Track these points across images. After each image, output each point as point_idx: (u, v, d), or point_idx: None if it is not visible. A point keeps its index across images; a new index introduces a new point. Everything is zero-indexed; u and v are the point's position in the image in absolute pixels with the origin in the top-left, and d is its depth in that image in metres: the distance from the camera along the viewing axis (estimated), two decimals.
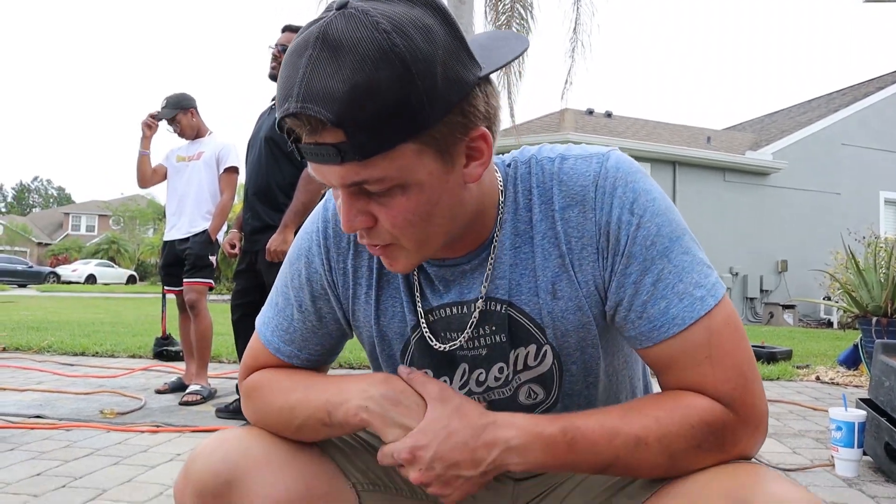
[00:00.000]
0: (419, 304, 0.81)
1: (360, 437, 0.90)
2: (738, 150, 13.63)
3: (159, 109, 3.60)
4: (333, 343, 0.89)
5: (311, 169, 0.67)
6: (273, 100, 3.09)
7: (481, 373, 0.82)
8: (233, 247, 3.21)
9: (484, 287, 0.78)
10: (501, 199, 0.78)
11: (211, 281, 3.61)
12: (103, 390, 3.57)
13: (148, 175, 3.66)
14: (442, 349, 0.81)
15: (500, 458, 0.70)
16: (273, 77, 3.01)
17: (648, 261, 0.72)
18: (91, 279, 28.27)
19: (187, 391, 3.39)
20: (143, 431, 2.70)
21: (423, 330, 0.81)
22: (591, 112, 15.27)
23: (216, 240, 3.62)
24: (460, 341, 0.80)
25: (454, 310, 0.80)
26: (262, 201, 2.95)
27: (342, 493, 0.85)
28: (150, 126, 3.58)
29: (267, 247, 2.74)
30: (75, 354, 5.12)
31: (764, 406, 0.71)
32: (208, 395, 3.40)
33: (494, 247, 0.77)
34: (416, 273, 0.82)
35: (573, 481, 0.85)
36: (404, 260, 0.72)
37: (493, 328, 0.79)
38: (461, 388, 0.84)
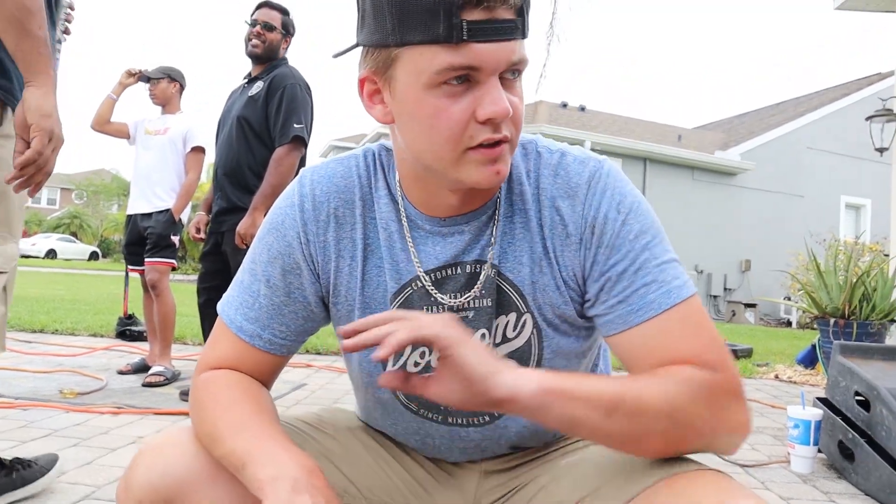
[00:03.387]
0: (418, 266, 0.81)
1: (316, 440, 0.88)
2: (707, 149, 13.85)
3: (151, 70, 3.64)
4: (298, 326, 0.85)
5: (470, 52, 0.67)
6: (245, 78, 3.03)
7: None
8: (198, 231, 3.15)
9: (480, 250, 0.80)
10: None
11: (173, 261, 3.56)
12: (63, 369, 3.49)
13: (105, 119, 3.65)
14: (436, 309, 0.81)
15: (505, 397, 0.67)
16: (252, 55, 2.95)
17: (632, 252, 0.75)
18: (51, 254, 27.52)
19: (150, 372, 3.33)
20: (103, 413, 2.64)
21: (426, 285, 0.81)
22: (565, 105, 15.35)
23: (179, 220, 3.58)
24: (457, 301, 0.81)
25: (447, 271, 0.81)
26: (231, 182, 2.90)
27: None
28: (131, 74, 3.61)
29: (237, 230, 2.70)
30: (34, 332, 4.98)
31: (740, 379, 0.74)
32: (172, 377, 3.34)
33: (497, 211, 0.80)
34: (409, 236, 0.82)
35: (537, 484, 0.84)
36: (507, 166, 0.73)
37: (482, 292, 0.80)
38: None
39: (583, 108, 15.48)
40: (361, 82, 0.76)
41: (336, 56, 0.81)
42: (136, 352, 4.18)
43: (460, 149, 0.70)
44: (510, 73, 0.70)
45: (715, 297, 13.18)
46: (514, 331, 0.81)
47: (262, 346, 0.84)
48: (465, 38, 0.65)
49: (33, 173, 1.24)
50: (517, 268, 0.80)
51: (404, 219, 0.82)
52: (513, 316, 0.81)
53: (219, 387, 0.81)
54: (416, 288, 0.82)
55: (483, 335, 0.81)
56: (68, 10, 1.80)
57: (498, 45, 0.67)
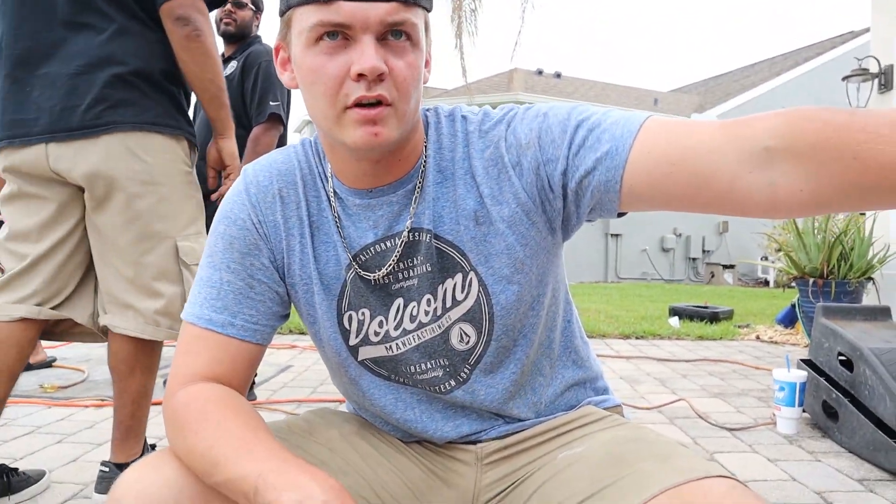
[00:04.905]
0: (346, 245, 0.83)
1: (307, 451, 0.85)
2: (684, 112, 13.87)
3: None
4: (267, 309, 0.83)
5: (338, 9, 0.69)
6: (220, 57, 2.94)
7: (414, 306, 0.83)
8: None
9: (410, 219, 0.81)
10: (424, 138, 0.83)
11: None
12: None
13: None
14: (374, 278, 0.82)
15: None
16: (225, 34, 2.86)
17: (571, 126, 0.75)
18: None
19: None
20: (87, 406, 2.60)
21: (355, 266, 0.83)
22: (540, 72, 15.24)
23: None
24: (390, 267, 0.82)
25: (386, 243, 0.82)
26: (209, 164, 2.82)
27: None
28: None
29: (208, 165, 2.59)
30: None
31: None
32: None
33: (422, 177, 0.81)
34: (339, 215, 0.83)
35: (534, 481, 0.82)
36: (390, 129, 0.73)
37: (421, 258, 0.82)
38: (396, 328, 0.84)
39: (558, 75, 15.39)
40: (276, 50, 0.79)
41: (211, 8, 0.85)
42: None
43: (339, 106, 0.72)
44: (394, 34, 0.71)
45: (694, 259, 13.34)
46: (462, 292, 0.82)
47: (237, 334, 0.81)
48: None
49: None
50: (454, 228, 0.80)
51: (332, 193, 0.84)
52: (458, 277, 0.81)
53: (204, 404, 0.75)
54: (362, 260, 0.83)
55: (428, 300, 0.82)
56: None
57: (368, 4, 0.69)
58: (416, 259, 0.82)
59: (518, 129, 0.79)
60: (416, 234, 0.81)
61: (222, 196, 1.85)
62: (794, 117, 0.63)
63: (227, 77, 2.78)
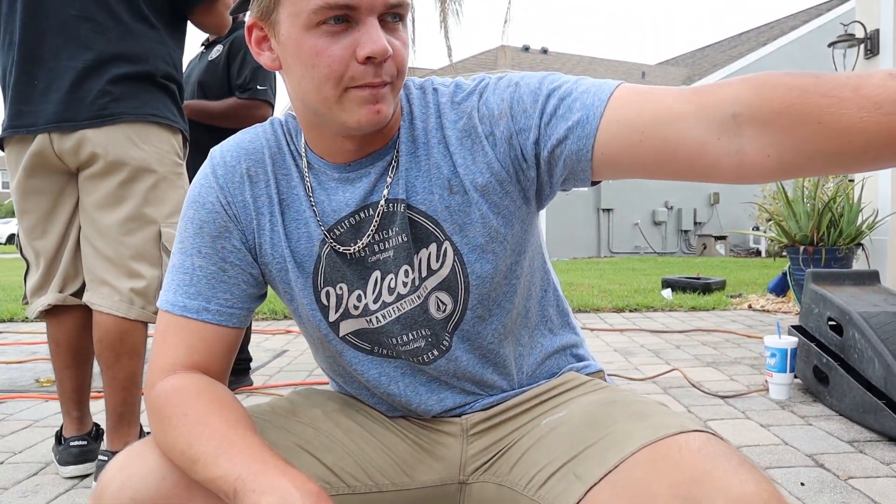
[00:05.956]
0: (320, 220, 0.83)
1: (290, 431, 0.86)
2: (672, 84, 13.83)
3: None
4: (242, 291, 0.83)
5: None
6: (203, 44, 2.90)
7: (391, 278, 0.83)
8: None
9: (386, 189, 0.81)
10: (400, 108, 0.83)
11: None
12: (37, 357, 3.42)
13: None
14: (350, 252, 0.82)
15: None
16: None
17: (542, 95, 0.75)
18: (13, 240, 26.83)
19: None
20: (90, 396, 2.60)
21: (329, 240, 0.83)
22: (527, 49, 15.15)
23: None
24: (366, 240, 0.82)
25: (360, 215, 0.82)
26: (194, 149, 2.80)
27: None
28: None
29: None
30: (3, 321, 4.87)
31: None
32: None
33: (398, 149, 0.81)
34: (313, 189, 0.83)
35: (519, 448, 0.83)
36: (388, 106, 0.75)
37: (396, 229, 0.82)
38: (375, 301, 0.84)
39: (545, 51, 15.29)
40: (249, 29, 0.78)
41: (233, 13, 0.83)
42: None
43: (341, 87, 0.72)
44: (391, 16, 0.73)
45: (685, 231, 13.39)
46: (437, 262, 0.82)
47: (213, 320, 0.81)
48: None
49: None
50: (428, 198, 0.81)
51: (305, 170, 0.83)
52: (433, 247, 0.82)
53: (184, 397, 0.75)
54: (337, 234, 0.83)
55: (406, 271, 0.82)
56: None
57: None
58: (391, 230, 0.82)
59: (490, 99, 0.79)
60: (392, 204, 0.81)
61: None
62: (760, 83, 0.63)
63: (212, 61, 2.75)
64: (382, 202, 0.81)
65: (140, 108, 1.64)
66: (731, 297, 5.18)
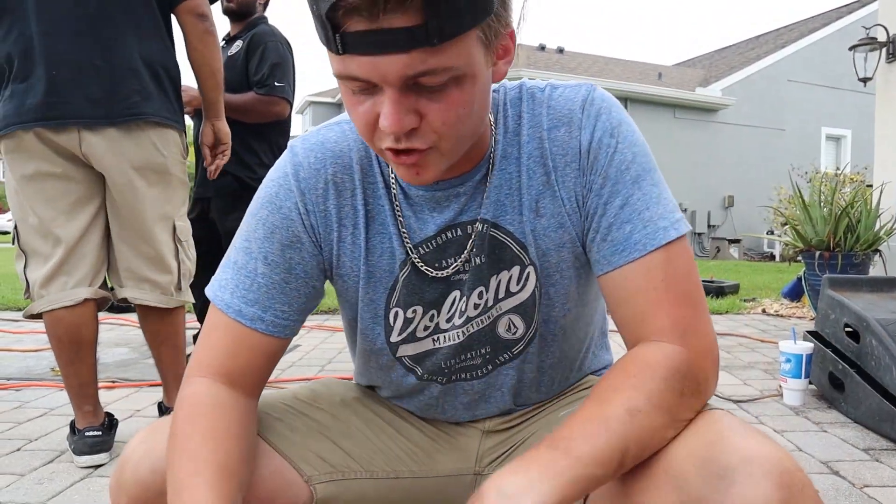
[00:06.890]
0: (406, 238, 0.79)
1: (311, 417, 0.87)
2: (688, 86, 13.74)
3: None
4: (301, 304, 0.80)
5: (352, 63, 0.60)
6: (224, 38, 2.91)
7: (465, 300, 0.81)
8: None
9: (478, 210, 0.78)
10: (493, 121, 0.78)
11: None
12: None
13: None
14: (432, 273, 0.79)
15: None
16: (227, 11, 2.83)
17: (620, 184, 0.74)
18: None
19: None
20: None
21: (414, 259, 0.79)
22: (542, 48, 15.10)
23: None
24: (452, 261, 0.79)
25: (447, 235, 0.79)
26: None
27: (293, 490, 0.80)
28: None
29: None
30: (19, 309, 4.92)
31: (713, 337, 0.72)
32: None
33: (492, 166, 0.78)
34: (399, 206, 0.79)
35: (535, 438, 0.84)
36: (434, 168, 0.69)
37: (475, 250, 0.79)
38: (448, 321, 0.82)
39: (561, 51, 15.24)
40: None
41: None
42: (126, 324, 4.15)
43: (376, 146, 0.68)
44: (435, 79, 0.61)
45: (699, 234, 13.30)
46: (517, 285, 0.80)
47: (265, 330, 0.78)
48: (340, 51, 0.60)
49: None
50: (516, 218, 0.78)
51: (392, 181, 0.79)
52: (516, 270, 0.79)
53: (190, 414, 0.73)
54: (421, 252, 0.80)
55: (480, 293, 0.80)
56: None
57: (383, 59, 0.58)
58: (473, 251, 0.79)
59: (583, 136, 0.76)
60: (481, 225, 0.78)
61: (219, 169, 2.13)
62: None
63: (231, 56, 2.76)
64: (472, 223, 0.78)
65: (159, 110, 1.78)
66: (745, 300, 5.14)
